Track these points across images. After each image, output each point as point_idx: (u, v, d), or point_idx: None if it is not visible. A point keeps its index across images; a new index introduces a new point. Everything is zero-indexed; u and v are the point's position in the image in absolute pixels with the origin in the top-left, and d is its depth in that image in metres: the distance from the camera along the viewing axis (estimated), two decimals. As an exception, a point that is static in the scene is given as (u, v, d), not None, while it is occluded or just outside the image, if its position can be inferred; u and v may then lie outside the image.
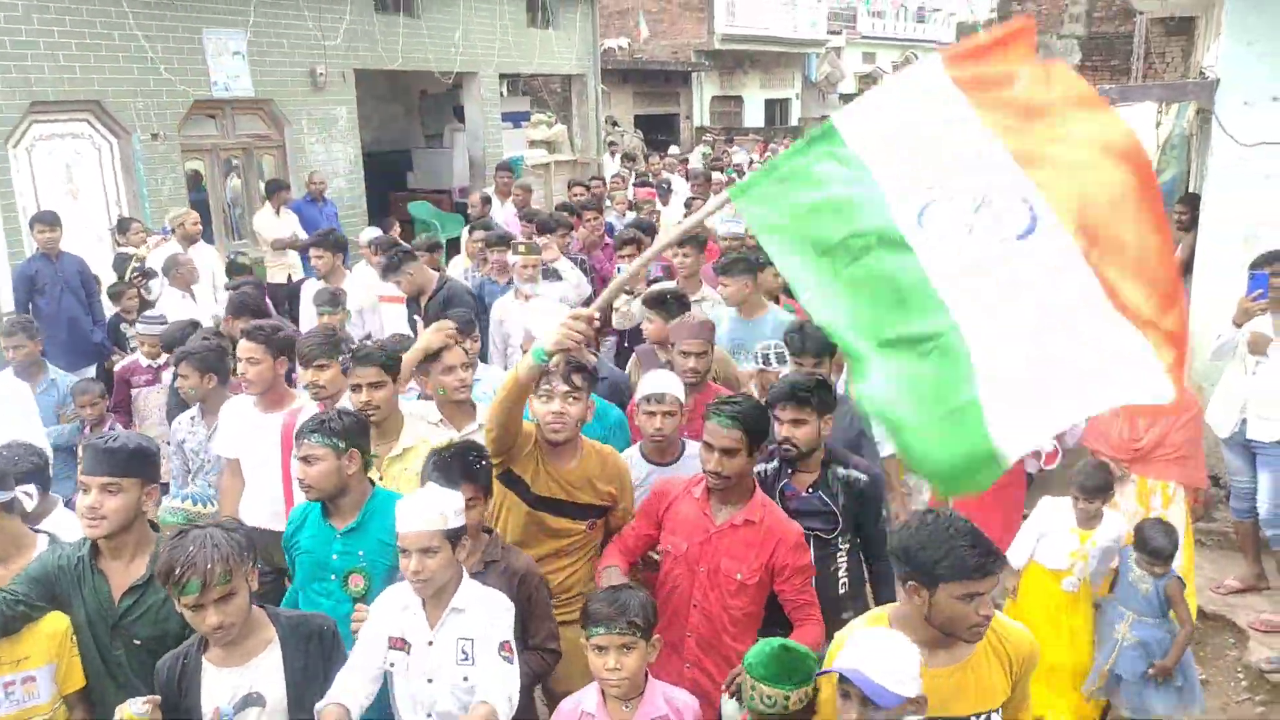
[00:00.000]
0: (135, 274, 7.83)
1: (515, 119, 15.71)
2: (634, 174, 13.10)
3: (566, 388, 3.32)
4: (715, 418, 3.13)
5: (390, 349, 3.87)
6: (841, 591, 3.49)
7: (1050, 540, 4.12)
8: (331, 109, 11.38)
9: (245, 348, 4.17)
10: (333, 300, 5.99)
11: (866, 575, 3.62)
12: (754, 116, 27.84)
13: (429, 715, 2.77)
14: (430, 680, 2.75)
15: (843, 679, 2.24)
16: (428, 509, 2.69)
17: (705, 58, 24.87)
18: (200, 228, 8.49)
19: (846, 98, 33.26)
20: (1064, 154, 2.25)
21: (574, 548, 3.46)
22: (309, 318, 6.59)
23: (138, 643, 2.80)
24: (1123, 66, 16.55)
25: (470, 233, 7.56)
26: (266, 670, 2.60)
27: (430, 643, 2.74)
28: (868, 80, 34.72)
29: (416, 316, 6.04)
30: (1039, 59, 2.37)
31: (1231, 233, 5.67)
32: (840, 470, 3.48)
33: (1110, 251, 2.16)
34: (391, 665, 2.78)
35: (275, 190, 9.79)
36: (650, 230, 7.60)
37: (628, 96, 23.06)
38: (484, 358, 5.52)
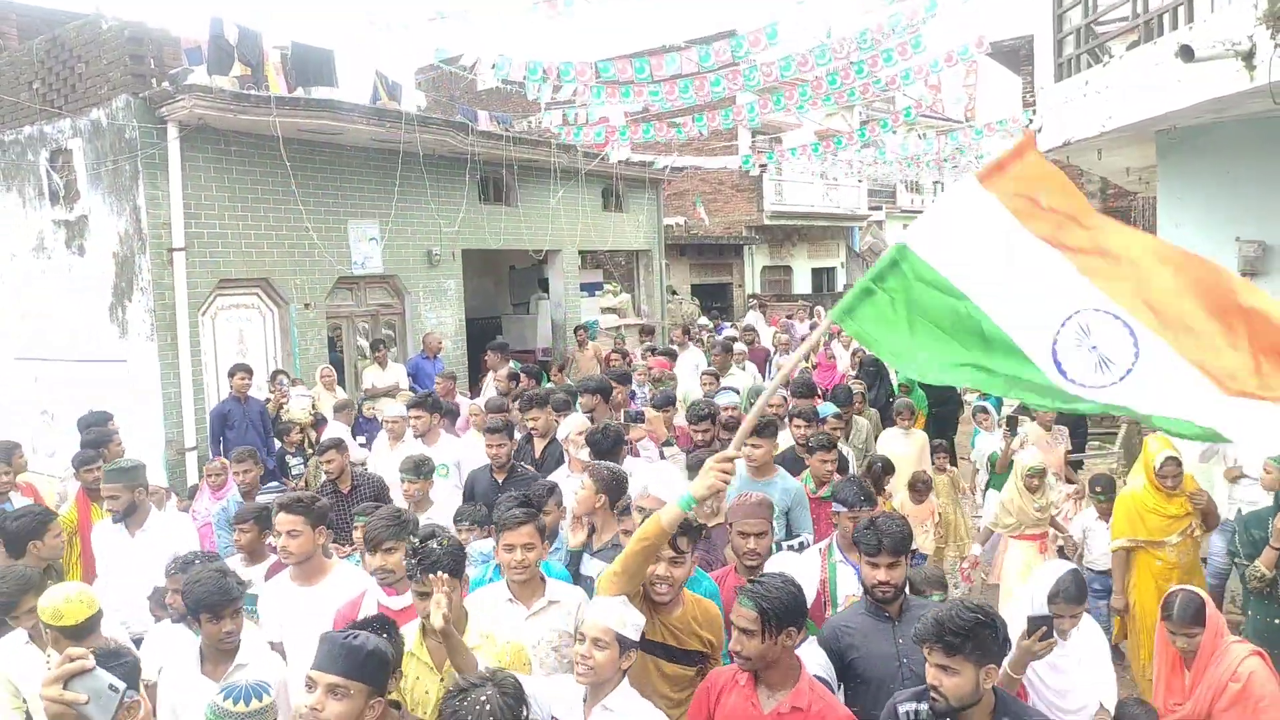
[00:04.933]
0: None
1: (590, 288, 17.75)
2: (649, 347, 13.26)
3: (672, 553, 3.37)
4: (739, 596, 3.10)
5: (453, 546, 3.38)
6: None
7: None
8: (443, 282, 13.36)
9: (285, 520, 4.01)
10: (415, 468, 5.60)
11: None
12: (802, 284, 29.52)
13: None
14: None
15: None
16: (610, 610, 3.02)
17: (755, 232, 26.88)
18: (334, 378, 10.39)
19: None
20: (1112, 263, 2.59)
21: (685, 694, 3.44)
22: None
23: None
24: (1136, 236, 18.24)
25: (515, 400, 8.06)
26: None
27: None
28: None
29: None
30: (1044, 163, 2.76)
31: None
32: None
33: (1191, 341, 2.49)
34: None
35: (377, 347, 11.62)
36: (670, 401, 8.21)
37: (685, 267, 25.14)
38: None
